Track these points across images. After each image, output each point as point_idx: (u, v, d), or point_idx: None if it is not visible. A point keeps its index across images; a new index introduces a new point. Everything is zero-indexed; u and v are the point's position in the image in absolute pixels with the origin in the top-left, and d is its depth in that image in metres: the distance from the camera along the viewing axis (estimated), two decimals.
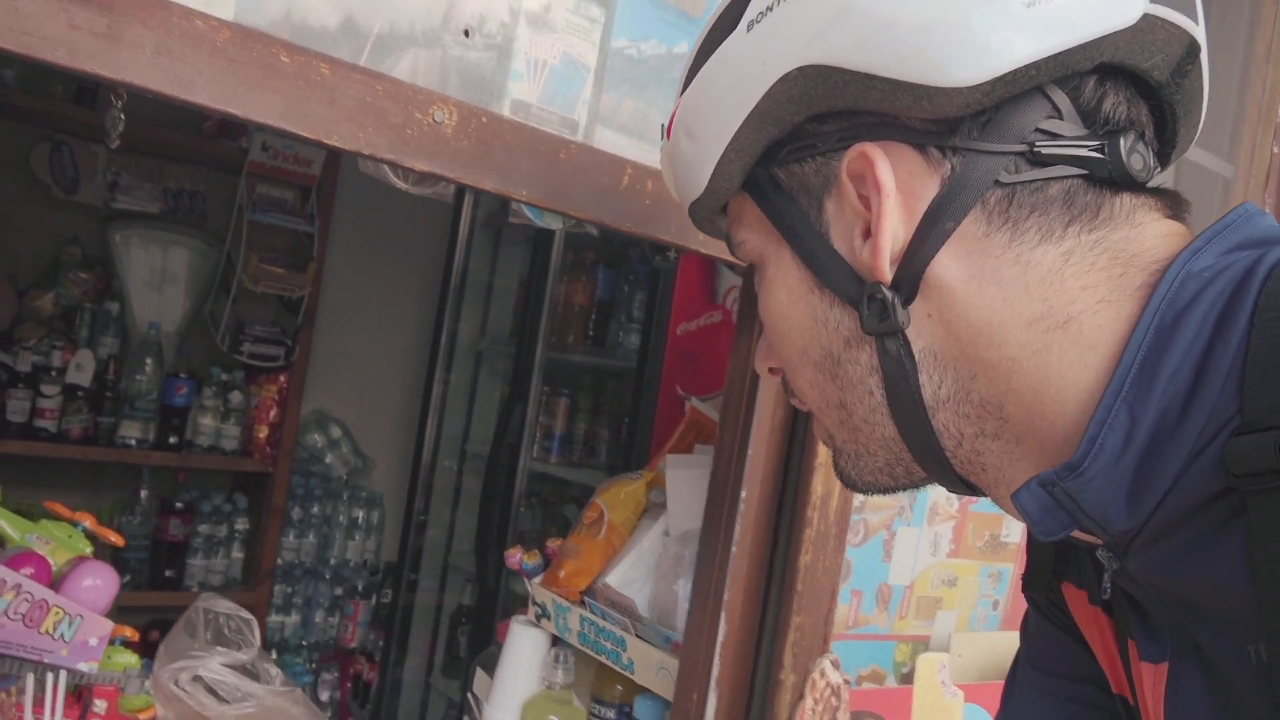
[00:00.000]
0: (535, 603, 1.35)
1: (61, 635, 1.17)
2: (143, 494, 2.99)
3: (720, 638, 0.96)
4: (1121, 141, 0.54)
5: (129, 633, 1.28)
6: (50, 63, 0.60)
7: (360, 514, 3.40)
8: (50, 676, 1.13)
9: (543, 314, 2.58)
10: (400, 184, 0.86)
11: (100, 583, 1.21)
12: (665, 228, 0.88)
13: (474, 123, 0.76)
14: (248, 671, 1.23)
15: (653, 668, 1.13)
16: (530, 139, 0.81)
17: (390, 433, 3.48)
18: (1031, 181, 0.53)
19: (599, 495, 1.34)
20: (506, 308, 3.07)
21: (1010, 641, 1.19)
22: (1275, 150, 1.56)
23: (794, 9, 0.56)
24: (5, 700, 1.15)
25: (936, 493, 1.18)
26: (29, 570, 1.16)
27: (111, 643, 1.24)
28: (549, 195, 0.81)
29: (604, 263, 2.63)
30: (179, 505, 2.97)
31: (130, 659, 1.28)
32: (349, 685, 3.29)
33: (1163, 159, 0.59)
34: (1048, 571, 0.66)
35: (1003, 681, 0.99)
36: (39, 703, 1.13)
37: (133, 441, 2.88)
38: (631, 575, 1.20)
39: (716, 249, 0.90)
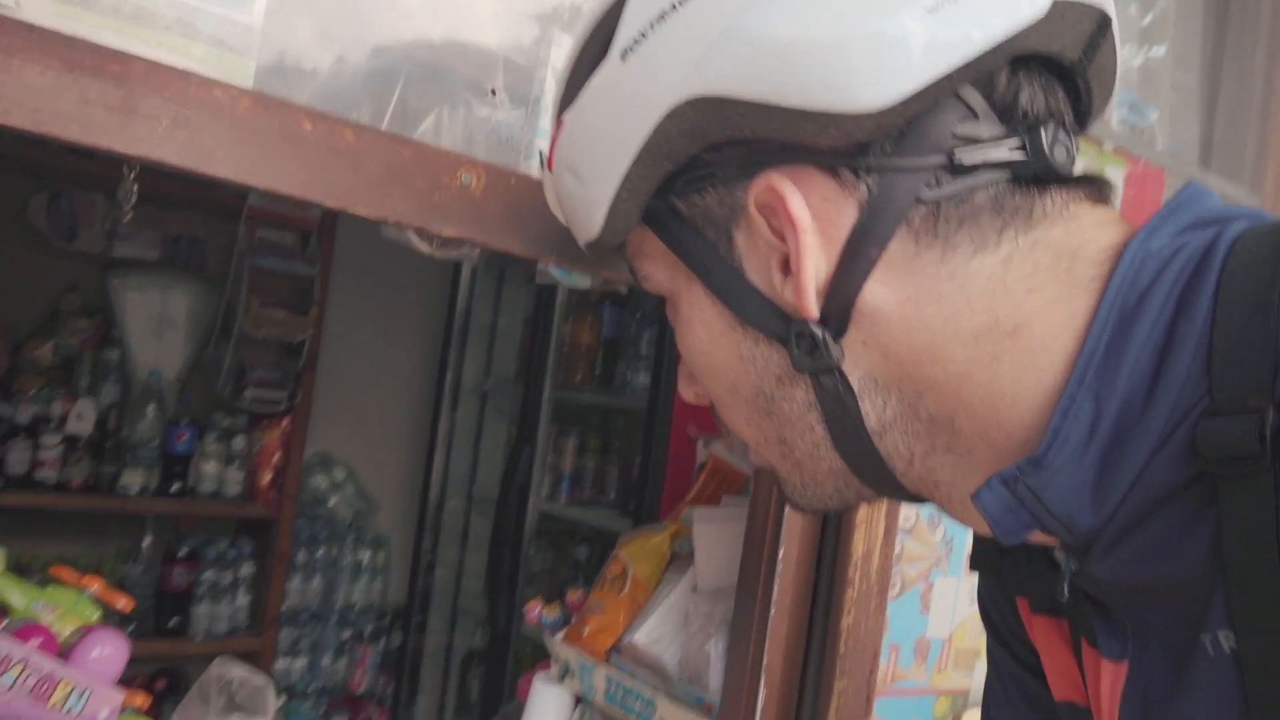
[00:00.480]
0: (558, 660, 1.31)
1: (71, 708, 1.13)
2: (145, 542, 2.95)
3: (760, 703, 0.93)
4: (1043, 134, 0.51)
5: (139, 701, 1.24)
6: (65, 139, 0.58)
7: (366, 556, 3.36)
8: None
9: (549, 353, 2.55)
10: (425, 248, 0.83)
11: (110, 651, 1.17)
12: None
13: (502, 185, 0.73)
14: None
15: None
16: None
17: (395, 474, 3.44)
18: (956, 194, 0.50)
19: (622, 549, 1.30)
20: (511, 348, 3.05)
21: None
22: None
23: (669, 36, 0.51)
24: None
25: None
26: (37, 641, 1.12)
27: (122, 711, 1.20)
28: (581, 256, 0.79)
29: (610, 301, 2.60)
30: (183, 553, 2.93)
31: None
32: None
33: (1079, 129, 0.56)
34: (994, 553, 0.62)
35: None
36: None
37: (135, 490, 2.84)
38: (659, 632, 1.17)
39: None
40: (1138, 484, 0.46)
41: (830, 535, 0.95)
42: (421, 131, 0.72)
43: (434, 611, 3.05)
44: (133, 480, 2.84)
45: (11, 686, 1.08)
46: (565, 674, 1.30)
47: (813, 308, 0.51)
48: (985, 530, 0.53)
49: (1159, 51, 1.58)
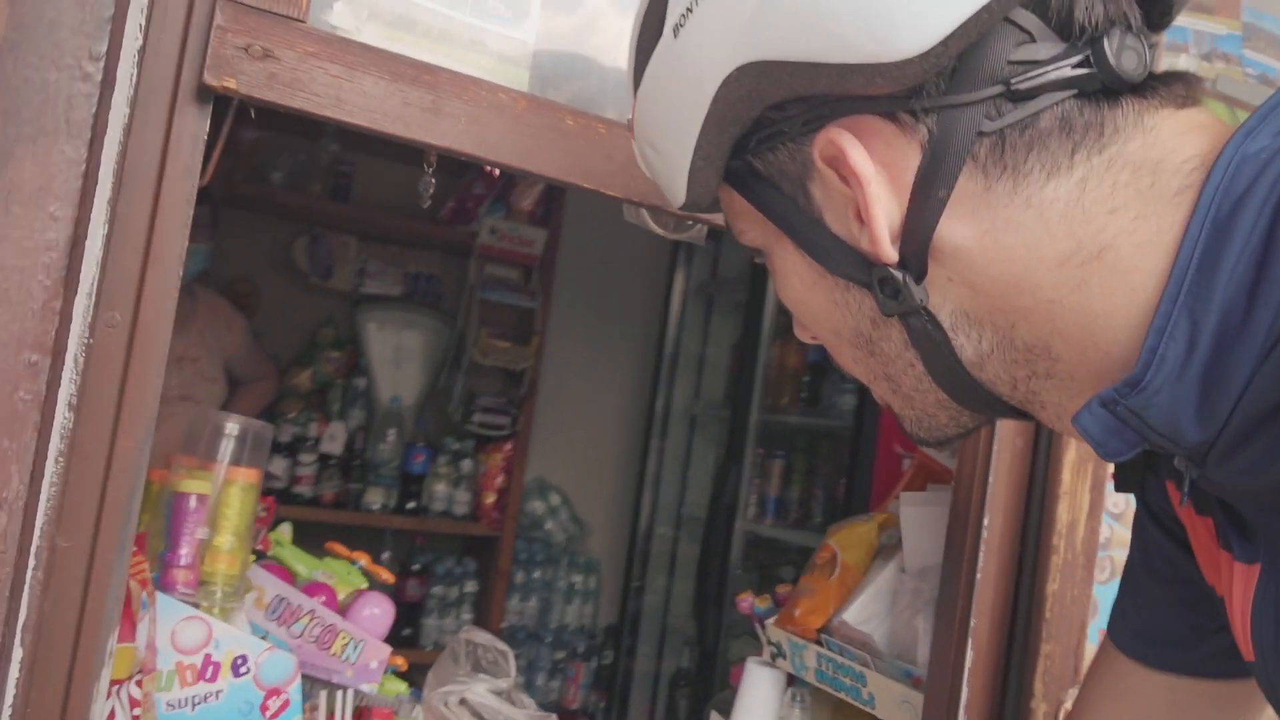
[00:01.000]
0: (770, 642, 1.38)
1: (348, 658, 1.29)
2: (384, 556, 3.21)
3: (968, 665, 0.97)
4: (1107, 45, 0.49)
5: (400, 662, 1.40)
6: (388, 134, 0.72)
7: (579, 579, 3.51)
8: (340, 695, 1.25)
9: (756, 377, 2.64)
10: (659, 230, 0.94)
11: (379, 612, 1.34)
12: None
13: None
14: (507, 699, 1.32)
15: (895, 701, 1.15)
16: None
17: (606, 499, 3.60)
18: (1019, 121, 0.49)
19: (830, 537, 1.37)
20: (719, 373, 3.15)
21: None
22: None
23: (712, 9, 0.52)
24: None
25: None
26: (321, 598, 1.30)
27: (385, 670, 1.36)
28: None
29: None
30: (416, 567, 3.17)
31: (401, 686, 1.40)
32: None
33: (1157, 27, 0.53)
34: (1139, 469, 0.61)
35: None
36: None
37: (376, 506, 3.11)
38: (869, 612, 1.22)
39: None
40: (1245, 397, 0.45)
41: (1035, 506, 0.99)
42: None
43: (644, 632, 3.16)
44: (375, 498, 3.12)
45: (301, 634, 1.26)
46: (777, 655, 1.37)
47: (890, 252, 0.51)
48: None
49: None
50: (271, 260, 3.18)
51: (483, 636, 1.39)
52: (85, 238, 0.63)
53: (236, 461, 1.00)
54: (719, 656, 2.64)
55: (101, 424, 0.67)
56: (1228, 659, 0.68)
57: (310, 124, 3.06)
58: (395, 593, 3.13)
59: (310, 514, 3.03)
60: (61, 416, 0.63)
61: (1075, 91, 0.49)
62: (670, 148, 0.57)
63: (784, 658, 1.35)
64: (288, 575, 1.33)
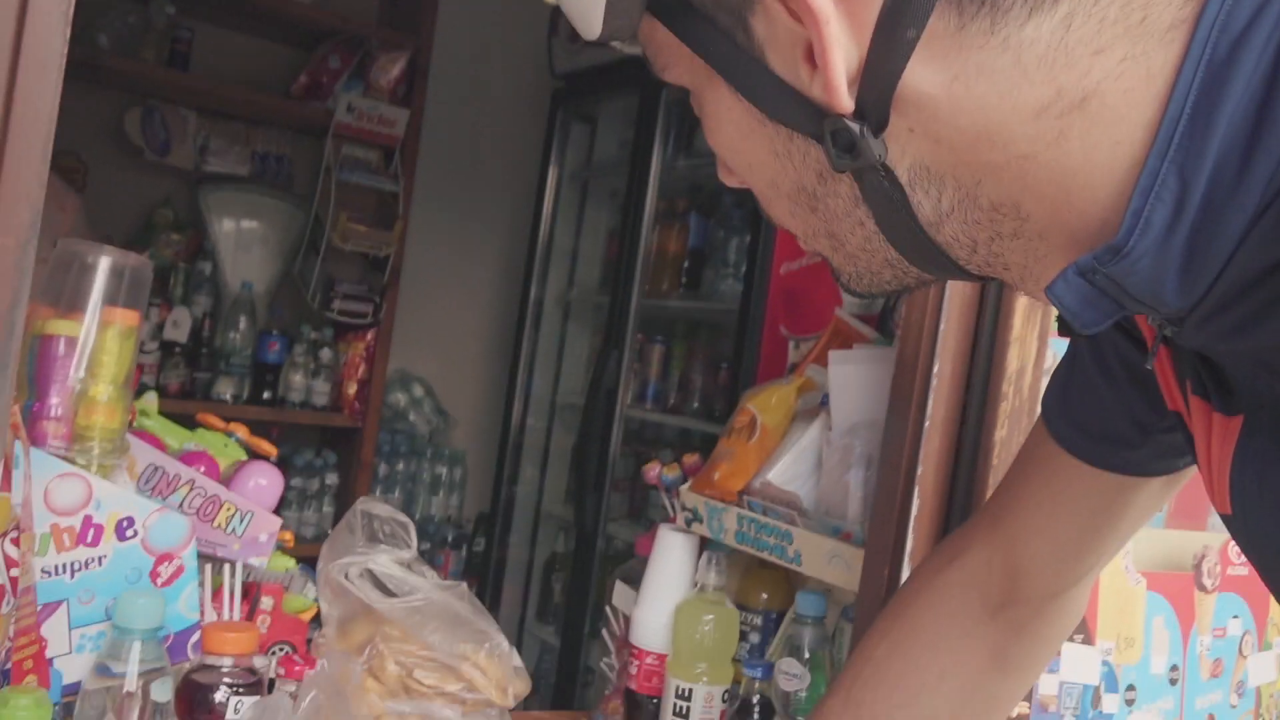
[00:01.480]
0: (685, 508, 1.35)
1: (234, 530, 1.19)
2: None
3: (914, 514, 0.96)
4: None
5: (287, 537, 1.30)
6: None
7: (443, 471, 3.43)
8: (227, 569, 1.14)
9: (637, 261, 2.58)
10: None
11: (267, 482, 1.23)
12: None
13: None
14: (410, 570, 1.25)
15: (823, 557, 1.13)
16: None
17: (473, 390, 3.51)
18: None
19: (748, 401, 1.34)
20: (594, 260, 3.08)
21: (1178, 538, 1.18)
22: None
23: None
24: None
25: None
26: (200, 468, 1.18)
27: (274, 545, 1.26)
28: None
29: (696, 210, 2.62)
30: (272, 460, 3.01)
31: (289, 562, 1.30)
32: None
33: None
34: None
35: (1176, 572, 0.97)
36: (215, 596, 1.15)
37: (228, 397, 2.93)
38: (794, 471, 1.20)
39: None
40: (1233, 260, 0.41)
41: (982, 352, 0.97)
42: None
43: (517, 520, 3.13)
44: (226, 389, 2.93)
45: (180, 506, 1.14)
46: (692, 521, 1.34)
47: (845, 101, 0.45)
48: None
49: None
50: (100, 133, 2.88)
51: (381, 508, 1.30)
52: None
53: (112, 301, 0.87)
54: (598, 538, 2.63)
55: None
56: (1164, 459, 0.69)
57: None
58: None
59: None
60: None
61: None
62: None
63: (700, 522, 1.32)
64: (159, 444, 1.20)
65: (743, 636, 1.34)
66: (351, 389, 3.09)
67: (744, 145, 0.52)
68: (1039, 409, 0.76)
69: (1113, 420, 0.68)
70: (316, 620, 1.27)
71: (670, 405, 2.67)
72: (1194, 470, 0.69)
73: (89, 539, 0.83)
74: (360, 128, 3.02)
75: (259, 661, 1.01)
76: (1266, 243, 0.40)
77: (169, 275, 2.95)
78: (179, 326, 2.88)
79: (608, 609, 1.50)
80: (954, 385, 0.97)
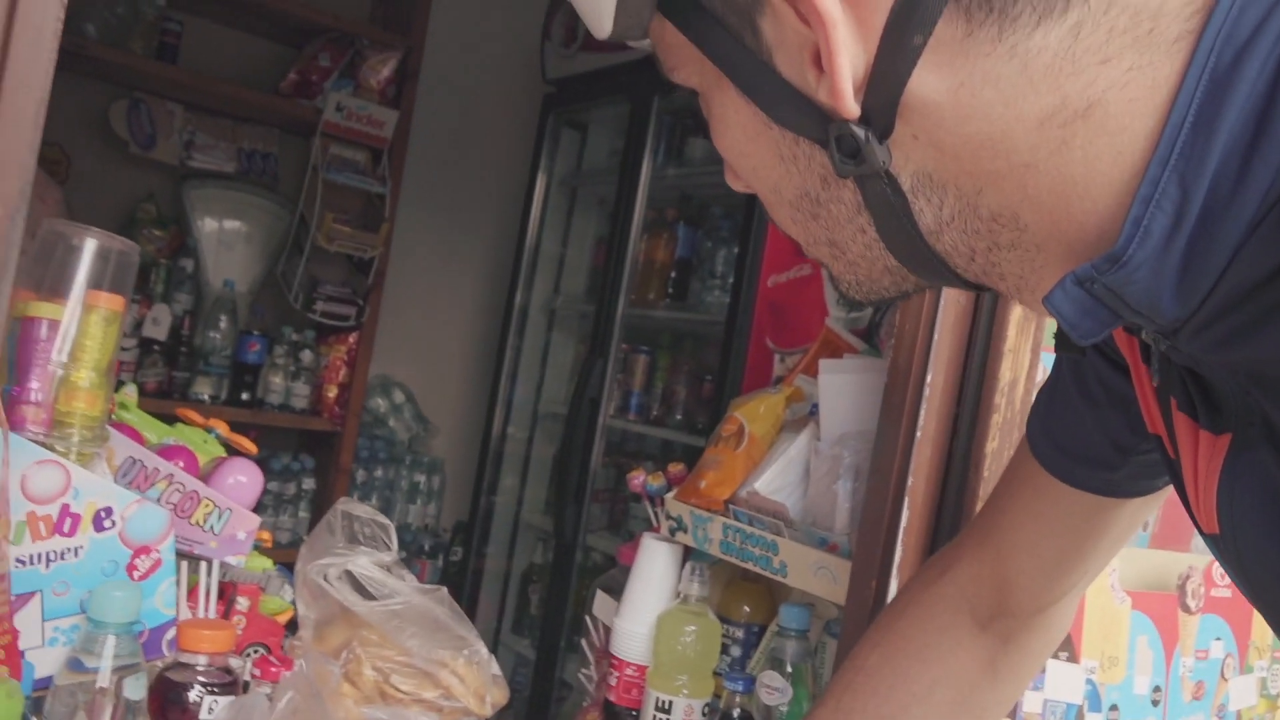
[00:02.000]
0: (670, 517, 1.34)
1: (211, 528, 1.16)
2: None
3: (903, 525, 0.95)
4: None
5: (265, 536, 1.28)
6: None
7: (421, 479, 3.40)
8: (204, 566, 1.12)
9: (624, 270, 2.57)
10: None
11: (246, 479, 1.21)
12: None
13: None
14: (389, 573, 1.23)
15: (809, 569, 1.12)
16: None
17: (454, 397, 3.48)
18: None
19: (736, 410, 1.33)
20: (580, 267, 3.07)
21: (1163, 559, 1.18)
22: None
23: None
24: None
25: None
26: (179, 463, 1.16)
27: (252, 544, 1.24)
28: None
29: (685, 220, 2.62)
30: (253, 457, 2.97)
31: (266, 562, 1.28)
32: None
33: None
34: None
35: (1161, 592, 0.97)
36: (190, 593, 1.13)
37: (206, 396, 2.90)
38: (781, 481, 1.19)
39: None
40: (1230, 270, 0.41)
41: (975, 363, 0.97)
42: None
43: (495, 529, 3.10)
44: (204, 388, 2.89)
45: (159, 500, 1.12)
46: (677, 530, 1.32)
47: (851, 106, 0.45)
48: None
49: None
50: (84, 125, 2.85)
51: (361, 509, 1.28)
52: None
53: (97, 285, 0.85)
54: (577, 550, 2.61)
55: None
56: (1141, 480, 0.69)
57: None
58: None
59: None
60: None
61: None
62: None
63: (685, 531, 1.30)
64: (139, 437, 1.18)
65: (724, 649, 1.33)
66: (332, 392, 3.06)
67: (750, 148, 0.51)
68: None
69: (1092, 442, 0.68)
70: (292, 624, 1.24)
71: (653, 416, 2.65)
72: (1170, 489, 0.70)
73: (66, 528, 0.81)
74: (349, 127, 3.00)
75: (235, 662, 0.99)
76: (1262, 252, 0.40)
77: (150, 271, 2.91)
78: (159, 324, 2.84)
79: (587, 619, 1.49)
80: (946, 396, 0.97)
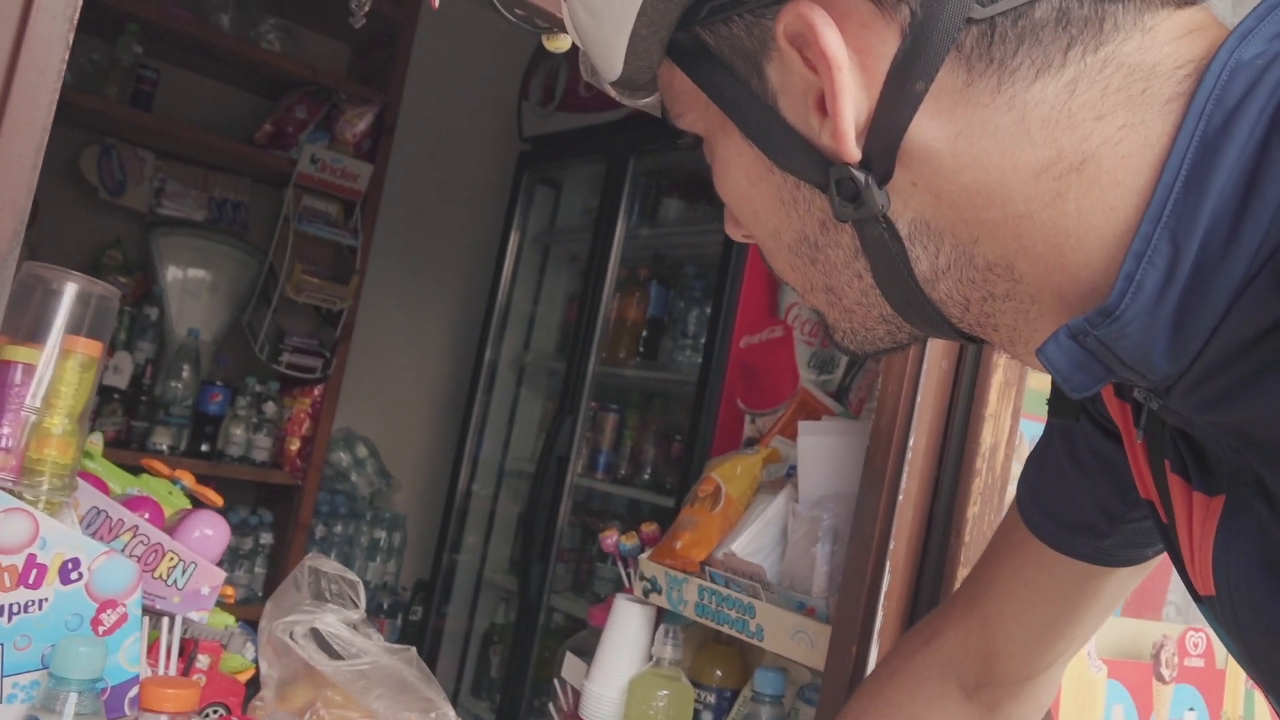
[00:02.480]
0: (644, 577, 1.32)
1: (175, 582, 1.13)
2: None
3: (884, 589, 0.94)
4: None
5: (229, 592, 1.25)
6: None
7: (382, 535, 3.35)
8: (165, 622, 1.09)
9: (596, 327, 2.57)
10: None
11: (213, 533, 1.18)
12: None
13: None
14: (357, 631, 1.20)
15: (787, 632, 1.11)
16: None
17: (418, 453, 3.44)
18: (1013, 8, 0.43)
19: (713, 470, 1.32)
20: (551, 324, 3.07)
21: (1138, 627, 1.18)
22: None
23: None
24: None
25: None
26: (145, 514, 1.13)
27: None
28: None
29: (657, 279, 2.63)
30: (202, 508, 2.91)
31: (229, 619, 1.24)
32: None
33: None
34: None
35: (1136, 661, 0.97)
36: (150, 650, 1.09)
37: (165, 447, 2.84)
38: (759, 543, 1.18)
39: None
40: (1222, 328, 0.42)
41: (956, 427, 0.97)
42: None
43: (457, 588, 3.05)
44: (163, 439, 2.84)
45: (121, 550, 1.09)
46: (650, 591, 1.31)
47: (853, 151, 0.46)
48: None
49: None
50: (53, 169, 2.82)
51: (329, 565, 1.25)
52: None
53: (75, 330, 0.83)
54: (541, 610, 2.56)
55: None
56: (1131, 549, 0.70)
57: (111, 20, 2.74)
58: None
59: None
60: None
61: None
62: (607, 10, 0.50)
63: (659, 593, 1.29)
64: (104, 486, 1.15)
65: (695, 714, 1.31)
66: (294, 445, 3.02)
67: (751, 193, 0.52)
68: (1011, 487, 0.76)
69: (1083, 509, 0.68)
70: (253, 682, 1.21)
71: (621, 476, 2.64)
72: (1160, 559, 0.70)
73: (31, 580, 0.78)
74: (322, 179, 3.00)
75: None
76: (1253, 311, 0.41)
77: None
78: (120, 372, 2.80)
79: (556, 681, 1.46)
80: (928, 460, 0.97)
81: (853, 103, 0.45)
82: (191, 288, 3.01)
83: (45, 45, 0.53)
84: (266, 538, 3.05)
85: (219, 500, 1.33)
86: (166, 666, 1.09)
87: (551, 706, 1.48)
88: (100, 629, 0.84)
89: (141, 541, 1.11)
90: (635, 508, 2.68)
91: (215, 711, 1.15)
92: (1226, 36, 0.44)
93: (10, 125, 0.51)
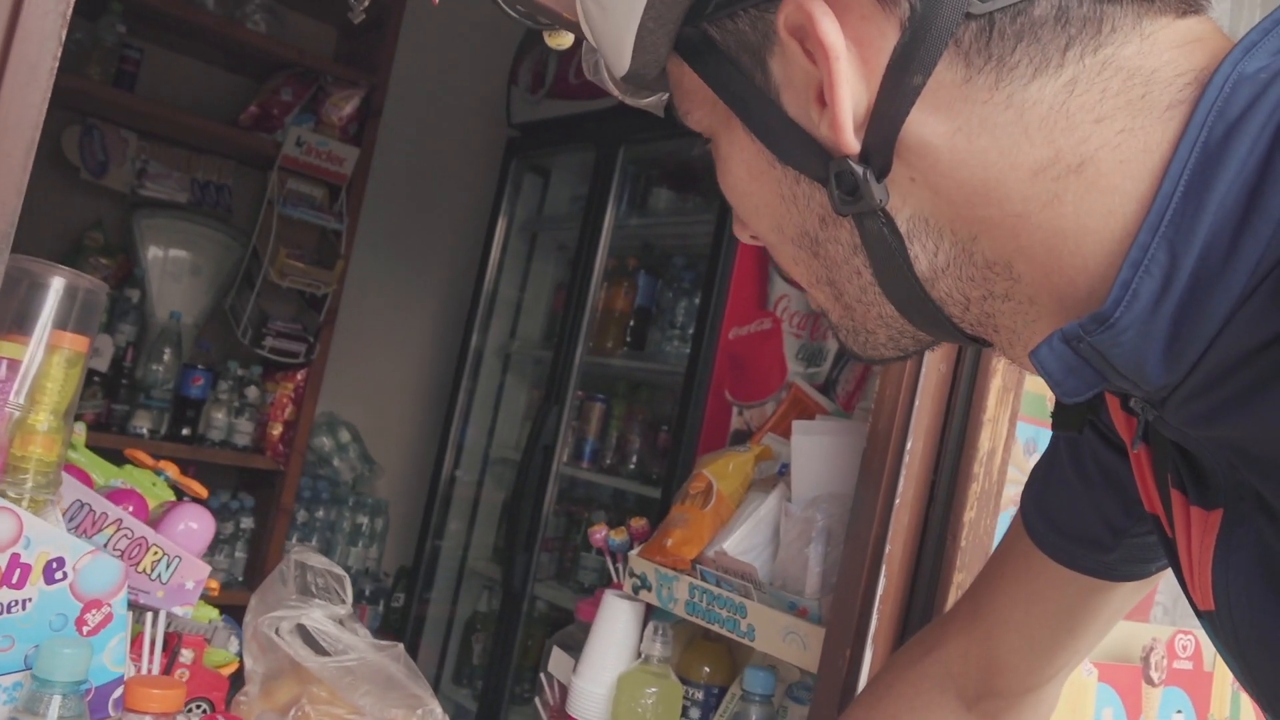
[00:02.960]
0: (634, 574, 1.31)
1: (159, 576, 1.12)
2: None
3: (880, 592, 0.94)
4: None
5: (214, 585, 1.23)
6: None
7: (364, 521, 3.33)
8: (149, 617, 1.07)
9: (584, 317, 2.56)
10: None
11: (197, 526, 1.17)
12: None
13: None
14: (344, 626, 1.18)
15: (778, 633, 1.10)
16: None
17: (402, 438, 3.42)
18: (1012, 4, 0.43)
19: (704, 467, 1.31)
20: (538, 313, 3.05)
21: (1127, 629, 1.18)
22: None
23: None
24: None
25: None
26: (129, 507, 1.11)
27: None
28: None
29: (646, 269, 2.62)
30: (185, 499, 2.89)
31: (213, 613, 1.23)
32: None
33: None
34: (1083, 409, 0.58)
35: (1125, 664, 0.97)
36: (133, 645, 1.08)
37: (145, 432, 2.81)
38: (750, 542, 1.18)
39: None
40: (1218, 341, 0.42)
41: (954, 430, 0.97)
42: None
43: (440, 575, 3.03)
44: (143, 422, 2.81)
45: (105, 545, 1.07)
46: (640, 588, 1.30)
47: (851, 142, 0.46)
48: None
49: None
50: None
51: (316, 559, 1.24)
52: None
53: (62, 325, 0.81)
54: (526, 599, 2.56)
55: None
56: (1135, 564, 0.70)
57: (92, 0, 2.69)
58: None
59: None
60: None
61: None
62: (616, 4, 0.51)
63: (649, 590, 1.28)
64: (87, 479, 1.13)
65: (683, 711, 1.30)
66: (276, 430, 2.99)
67: (753, 187, 0.53)
68: (1009, 493, 0.76)
69: (1087, 522, 0.68)
70: (237, 677, 1.20)
71: (606, 465, 2.63)
72: (1163, 575, 0.70)
73: (14, 580, 0.76)
74: (308, 162, 2.96)
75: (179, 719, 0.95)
76: (1251, 325, 0.40)
77: None
78: (100, 354, 2.76)
79: (542, 676, 1.45)
80: (925, 463, 0.96)
81: (850, 94, 0.46)
82: (173, 270, 2.98)
83: (37, 42, 0.51)
84: (247, 522, 3.03)
85: (203, 492, 1.32)
86: (150, 662, 1.07)
87: (538, 701, 1.48)
88: (85, 629, 0.82)
89: (125, 535, 1.09)
90: (620, 497, 2.68)
91: (199, 707, 1.14)
92: (1230, 48, 0.44)
93: (0, 125, 0.49)
